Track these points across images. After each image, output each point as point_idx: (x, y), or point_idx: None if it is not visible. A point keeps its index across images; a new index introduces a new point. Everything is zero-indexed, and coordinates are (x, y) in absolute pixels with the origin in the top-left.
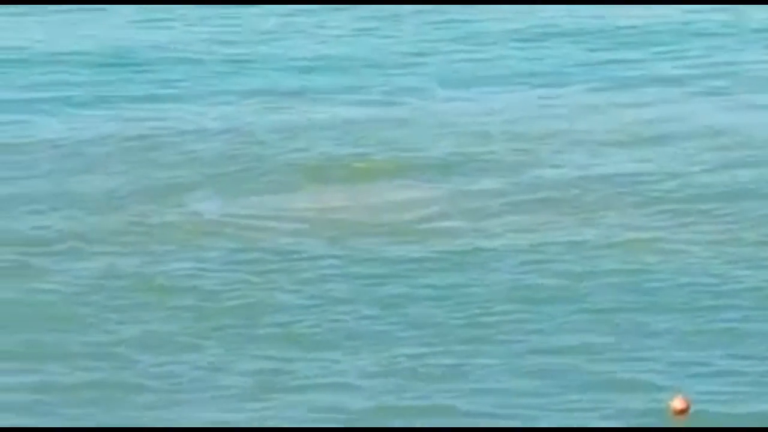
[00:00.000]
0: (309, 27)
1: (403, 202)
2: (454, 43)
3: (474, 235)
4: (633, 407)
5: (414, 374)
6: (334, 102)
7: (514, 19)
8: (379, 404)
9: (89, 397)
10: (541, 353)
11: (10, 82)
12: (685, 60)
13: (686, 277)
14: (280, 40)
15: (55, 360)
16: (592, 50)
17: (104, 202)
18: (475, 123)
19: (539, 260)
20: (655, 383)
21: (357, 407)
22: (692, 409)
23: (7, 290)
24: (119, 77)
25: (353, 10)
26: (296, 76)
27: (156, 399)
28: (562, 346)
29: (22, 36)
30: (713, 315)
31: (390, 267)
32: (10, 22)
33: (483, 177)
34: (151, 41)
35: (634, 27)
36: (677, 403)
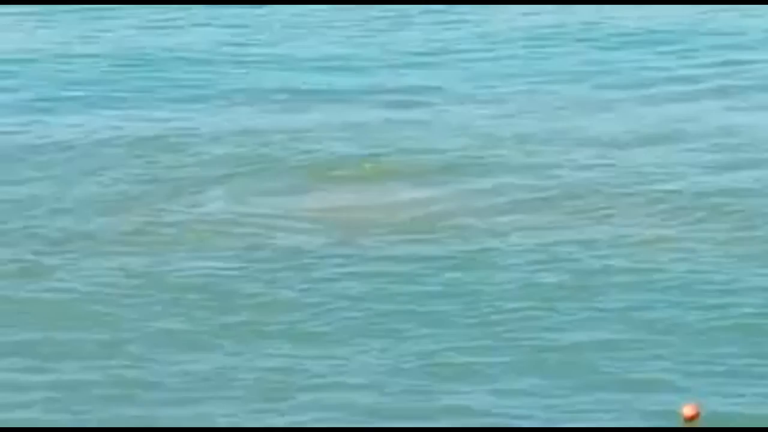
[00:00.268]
0: (318, 27)
1: (414, 201)
2: (465, 42)
3: (485, 234)
4: (645, 404)
5: (425, 373)
6: (344, 102)
7: (524, 19)
8: (390, 403)
9: (103, 394)
10: (552, 351)
11: (24, 83)
12: (695, 59)
13: (697, 275)
14: (290, 41)
15: (69, 358)
16: (602, 49)
17: (117, 202)
18: (485, 123)
19: (551, 259)
20: (667, 380)
21: (369, 406)
22: (705, 409)
23: (23, 289)
24: (131, 79)
25: (362, 9)
26: (307, 77)
27: (169, 396)
28: (574, 344)
29: (34, 37)
30: (725, 312)
31: (402, 266)
32: (22, 21)
33: (494, 177)
34: (162, 42)
35: (642, 27)
36: (688, 410)
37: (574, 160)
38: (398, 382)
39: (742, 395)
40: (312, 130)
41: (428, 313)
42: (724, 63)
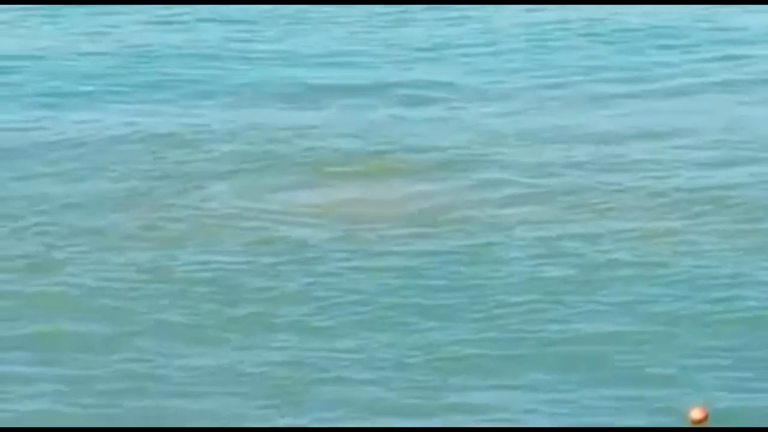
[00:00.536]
0: (321, 23)
1: (418, 197)
2: (469, 38)
3: (489, 229)
4: (650, 398)
5: (431, 367)
6: (349, 98)
7: (527, 15)
8: (395, 398)
9: (110, 387)
10: (557, 344)
11: (33, 80)
12: (697, 55)
13: (702, 269)
14: (295, 37)
15: (78, 351)
16: (605, 44)
17: (125, 197)
18: (489, 119)
19: (555, 253)
20: (673, 374)
21: (374, 400)
22: (711, 403)
23: (33, 283)
24: (138, 75)
25: (365, 5)
26: (312, 73)
27: (176, 389)
28: (579, 338)
29: (41, 33)
30: (730, 305)
31: (407, 260)
32: (28, 18)
33: (498, 172)
34: (169, 38)
35: (645, 22)
36: (696, 414)
37: (578, 155)
38: (403, 376)
39: (748, 388)
40: (318, 127)
41: (433, 307)
42: (726, 58)
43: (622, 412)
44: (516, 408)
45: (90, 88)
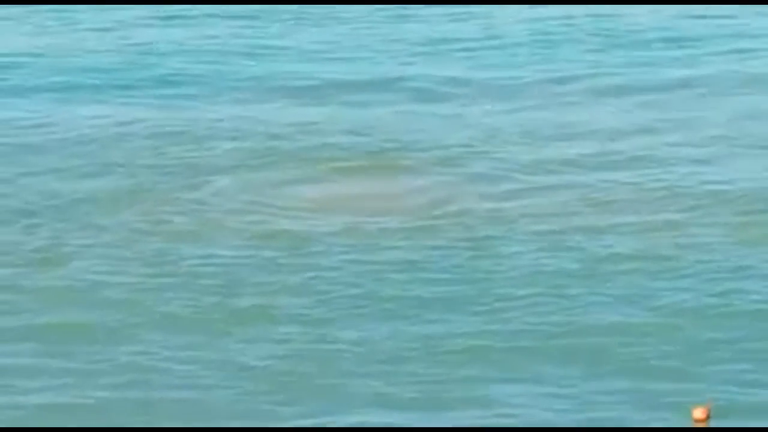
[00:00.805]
0: (323, 18)
1: (420, 192)
2: (471, 34)
3: (492, 223)
4: (655, 390)
5: (433, 360)
6: (352, 94)
7: (530, 11)
8: (397, 390)
9: (114, 380)
10: (560, 337)
11: (39, 77)
12: (699, 51)
13: (705, 262)
14: (298, 32)
15: (82, 343)
16: (606, 38)
17: (130, 192)
18: (490, 114)
19: (558, 247)
20: (677, 366)
21: (376, 392)
22: (714, 396)
23: (39, 276)
24: (142, 71)
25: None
26: (315, 69)
27: (179, 382)
28: (582, 331)
29: (46, 30)
30: (734, 298)
31: (409, 254)
32: (32, 14)
33: (500, 168)
34: (172, 35)
35: (647, 19)
36: (697, 413)
37: (580, 150)
38: (405, 368)
39: (750, 381)
40: (320, 123)
41: (435, 300)
42: (729, 53)
43: (624, 405)
44: (518, 400)
45: (96, 84)
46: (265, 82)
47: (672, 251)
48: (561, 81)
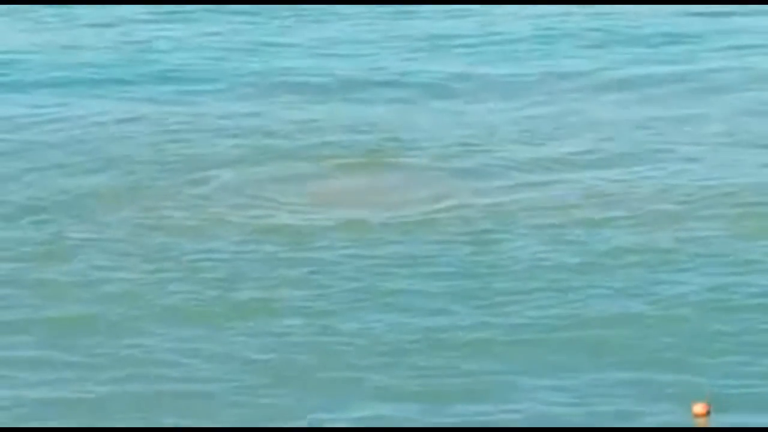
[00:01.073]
0: (323, 15)
1: (420, 187)
2: (470, 31)
3: (492, 218)
4: (658, 382)
5: (433, 352)
6: (350, 91)
7: (530, 9)
8: (398, 383)
9: (116, 373)
10: (563, 330)
11: (41, 75)
12: (701, 47)
13: (705, 256)
14: (298, 30)
15: (85, 336)
16: (606, 34)
17: (132, 188)
18: (489, 111)
19: (558, 240)
20: (680, 359)
21: (377, 385)
22: (718, 389)
23: (44, 270)
24: (144, 69)
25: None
26: (314, 66)
27: (180, 374)
28: (583, 322)
29: (45, 27)
30: (734, 290)
31: (410, 248)
32: (31, 11)
33: (500, 163)
34: (173, 32)
35: (648, 17)
36: (697, 408)
37: (579, 145)
38: (406, 361)
39: (751, 374)
40: (319, 120)
41: (436, 293)
42: (726, 52)
43: (625, 396)
44: (519, 392)
45: (97, 81)
46: (266, 78)
47: (671, 245)
48: (560, 77)
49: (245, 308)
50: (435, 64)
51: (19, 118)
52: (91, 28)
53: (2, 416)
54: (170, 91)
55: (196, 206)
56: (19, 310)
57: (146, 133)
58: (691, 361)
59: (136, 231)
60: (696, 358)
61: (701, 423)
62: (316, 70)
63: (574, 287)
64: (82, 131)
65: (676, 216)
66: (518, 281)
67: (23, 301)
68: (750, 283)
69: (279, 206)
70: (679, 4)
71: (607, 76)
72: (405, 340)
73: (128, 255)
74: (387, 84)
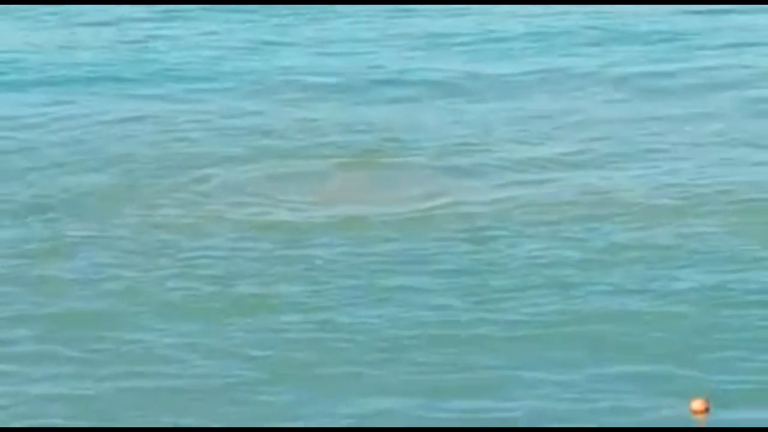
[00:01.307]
0: (320, 14)
1: (418, 186)
2: (469, 30)
3: (491, 216)
4: (653, 376)
5: (433, 347)
6: (348, 91)
7: (529, 8)
8: (397, 379)
9: (115, 368)
10: (560, 324)
11: (35, 75)
12: (695, 50)
13: (704, 252)
14: (294, 29)
15: (82, 333)
16: (605, 32)
17: (131, 186)
18: (486, 110)
19: (557, 237)
20: (676, 352)
21: (376, 380)
22: (721, 385)
23: (44, 267)
24: (142, 67)
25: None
26: (312, 65)
27: (180, 371)
28: (582, 317)
29: (45, 26)
30: (733, 286)
31: (409, 244)
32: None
33: (498, 161)
34: (168, 32)
35: (648, 17)
36: (696, 404)
37: (578, 142)
38: (406, 356)
39: (749, 369)
40: (318, 118)
41: (435, 289)
42: (725, 50)
43: (624, 392)
44: (518, 387)
45: (94, 80)
46: (264, 77)
47: (670, 241)
48: (558, 76)
49: (244, 304)
50: (433, 63)
51: (19, 117)
52: (89, 27)
53: (2, 413)
54: (169, 90)
55: (196, 204)
56: (20, 306)
57: (145, 131)
58: (690, 356)
59: (137, 228)
60: (695, 354)
61: (700, 420)
62: (313, 69)
63: (573, 284)
64: (81, 130)
65: (674, 213)
66: (517, 278)
67: (25, 297)
68: (748, 279)
69: (278, 204)
70: (677, 4)
71: (605, 74)
72: (404, 336)
73: (129, 252)
74: (385, 82)
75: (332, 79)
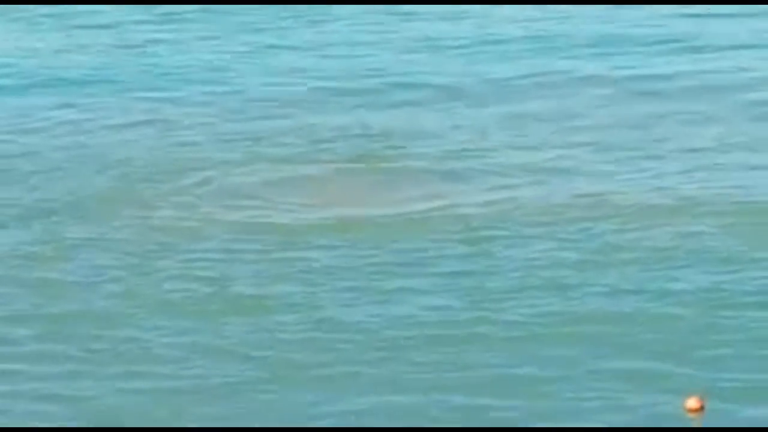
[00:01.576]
0: (317, 17)
1: (417, 188)
2: (468, 36)
3: (488, 218)
4: (651, 374)
5: (431, 346)
6: (346, 94)
7: (527, 13)
8: (397, 377)
9: (112, 368)
10: (558, 324)
11: (31, 79)
12: (694, 54)
13: (701, 251)
14: (292, 31)
15: (81, 333)
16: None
17: (127, 190)
18: (485, 113)
19: (554, 238)
20: (674, 351)
21: (374, 378)
22: (723, 381)
23: (41, 269)
24: (136, 73)
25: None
26: (309, 68)
27: (178, 372)
28: (580, 317)
29: (41, 29)
30: (728, 286)
31: (408, 244)
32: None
33: (496, 165)
34: (165, 36)
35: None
36: (692, 402)
37: (575, 145)
38: (402, 355)
39: (747, 368)
40: (316, 122)
41: (434, 290)
42: (724, 52)
43: (620, 390)
44: (516, 386)
45: (91, 83)
46: (261, 81)
47: (666, 242)
48: (557, 80)
49: (242, 305)
50: (431, 67)
51: (18, 121)
52: (86, 29)
53: (1, 413)
54: (167, 94)
55: (194, 207)
56: (21, 306)
57: (144, 135)
58: (685, 355)
59: (136, 231)
60: (690, 353)
61: (695, 418)
62: (312, 73)
63: (570, 285)
64: (80, 134)
65: (669, 215)
66: (515, 279)
67: (25, 297)
68: (743, 280)
69: (276, 207)
70: (675, 4)
71: (603, 77)
72: (402, 336)
73: (128, 254)
74: (383, 86)
75: (331, 83)
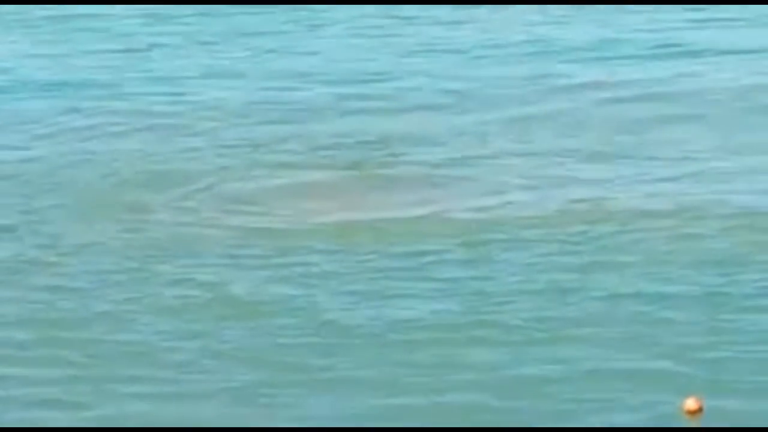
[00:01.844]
0: (315, 21)
1: (413, 194)
2: (467, 42)
3: (485, 224)
4: (650, 373)
5: (432, 346)
6: (344, 100)
7: (526, 17)
8: (396, 377)
9: (110, 370)
10: (557, 325)
11: (28, 81)
12: (693, 59)
13: (700, 254)
14: (287, 35)
15: (79, 336)
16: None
17: (125, 192)
18: (483, 119)
19: (553, 240)
20: (672, 351)
21: (373, 378)
22: (724, 380)
23: (40, 272)
24: (133, 75)
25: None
26: (304, 72)
27: (177, 375)
28: (580, 317)
29: (42, 32)
30: (726, 289)
31: (405, 252)
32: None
33: (494, 171)
34: (161, 38)
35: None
36: (690, 403)
37: (573, 148)
38: (403, 357)
39: (745, 369)
40: (312, 128)
41: (433, 291)
42: (726, 56)
43: (620, 390)
44: (515, 386)
45: (87, 85)
46: (259, 85)
47: (664, 246)
48: (556, 84)
49: (242, 309)
50: (431, 72)
51: (13, 126)
52: (86, 33)
53: (1, 414)
54: (165, 99)
55: (194, 212)
56: (20, 311)
57: (143, 141)
58: (685, 355)
59: (136, 236)
60: (690, 353)
61: (694, 420)
62: (309, 78)
63: (570, 288)
64: (80, 140)
65: (669, 218)
66: (514, 282)
67: (24, 301)
68: (742, 282)
69: (274, 213)
70: (675, 3)
71: (602, 82)
72: (401, 338)
73: (128, 259)
74: (383, 91)
75: (331, 88)
